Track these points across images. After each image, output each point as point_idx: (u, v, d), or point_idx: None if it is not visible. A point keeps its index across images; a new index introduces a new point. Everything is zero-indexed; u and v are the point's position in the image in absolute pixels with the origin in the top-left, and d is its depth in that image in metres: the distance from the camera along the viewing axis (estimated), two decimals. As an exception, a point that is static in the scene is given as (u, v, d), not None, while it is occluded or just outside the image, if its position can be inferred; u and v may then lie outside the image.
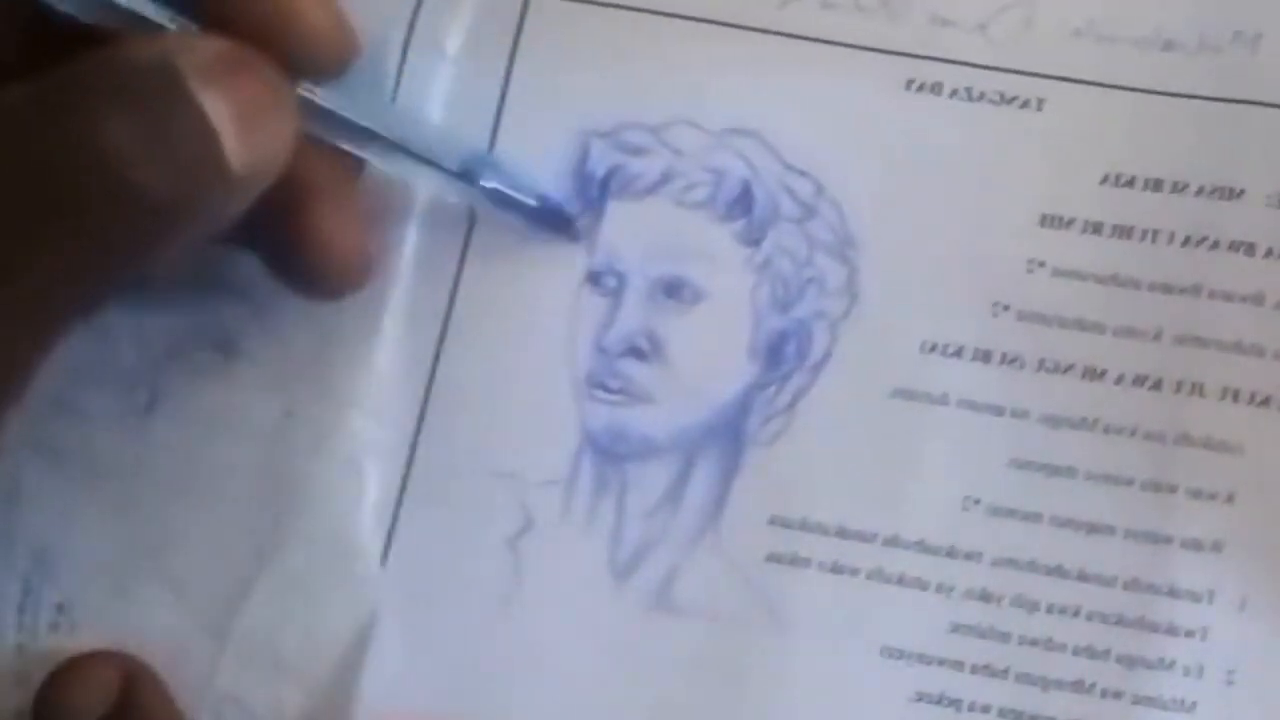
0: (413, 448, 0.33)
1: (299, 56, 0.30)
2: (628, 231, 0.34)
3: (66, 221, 0.27)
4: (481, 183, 0.33)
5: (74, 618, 0.33)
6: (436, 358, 0.33)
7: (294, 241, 0.32)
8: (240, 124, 0.28)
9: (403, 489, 0.33)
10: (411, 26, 0.34)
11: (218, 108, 0.27)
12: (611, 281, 0.33)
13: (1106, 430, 0.32)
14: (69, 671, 0.32)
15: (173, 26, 0.29)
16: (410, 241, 0.33)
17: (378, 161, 0.32)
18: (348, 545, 0.33)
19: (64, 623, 0.33)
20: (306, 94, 0.30)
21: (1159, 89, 0.33)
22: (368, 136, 0.32)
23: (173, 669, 0.32)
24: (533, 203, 0.33)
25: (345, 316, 0.33)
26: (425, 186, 0.33)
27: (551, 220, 0.33)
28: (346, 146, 0.31)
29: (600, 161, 0.34)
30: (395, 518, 0.33)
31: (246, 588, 0.33)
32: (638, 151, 0.34)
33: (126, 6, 0.29)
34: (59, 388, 0.33)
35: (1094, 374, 0.32)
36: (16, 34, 0.30)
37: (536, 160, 0.34)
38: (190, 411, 0.33)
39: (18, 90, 0.27)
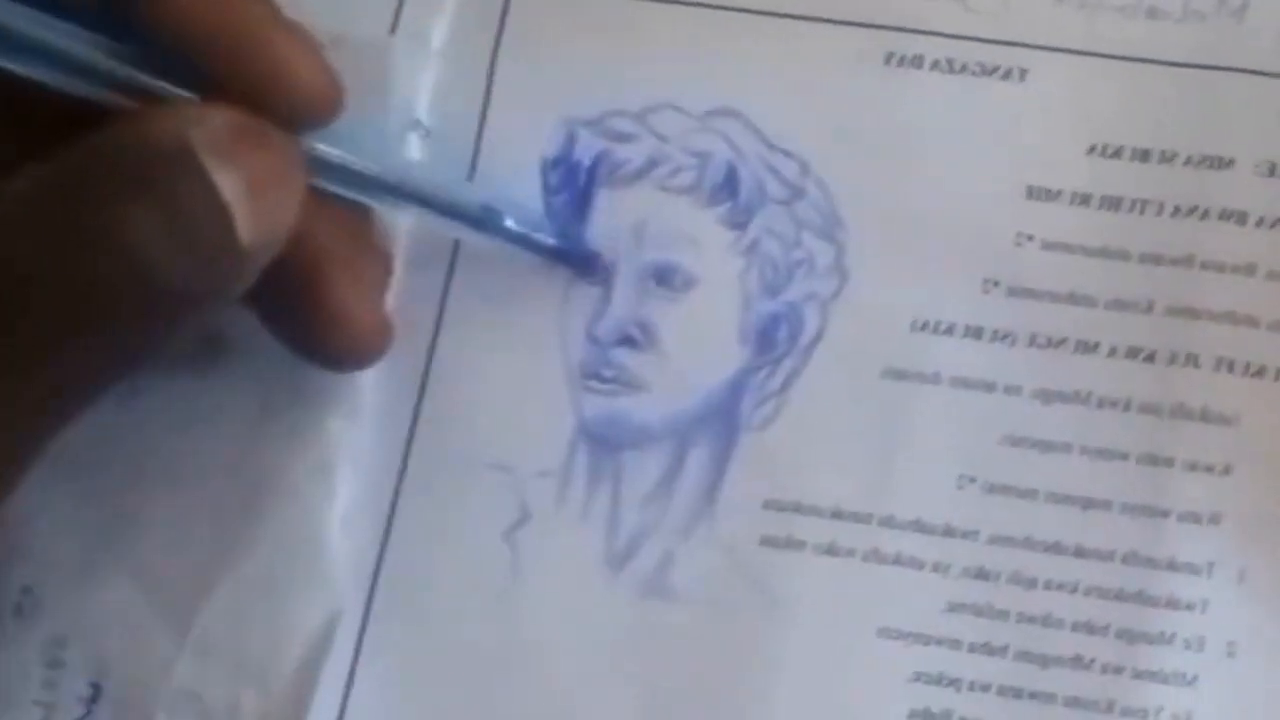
0: (408, 442, 0.33)
1: (293, 111, 0.29)
2: (616, 219, 0.33)
3: (87, 317, 0.26)
4: (506, 224, 0.32)
5: (39, 601, 0.33)
6: (430, 352, 0.33)
7: (305, 313, 0.31)
8: (250, 197, 0.27)
9: (398, 484, 0.33)
10: (396, 20, 0.34)
11: (229, 182, 0.27)
12: (601, 270, 0.33)
13: (1100, 404, 0.32)
14: None
15: (170, 89, 0.28)
16: (403, 236, 0.33)
17: (391, 211, 0.32)
18: (314, 548, 0.32)
19: (28, 605, 0.33)
20: (318, 151, 0.29)
21: (1144, 57, 0.32)
22: (380, 187, 0.31)
23: (134, 660, 0.32)
24: (552, 242, 0.33)
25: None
26: (439, 231, 0.33)
27: (573, 258, 0.33)
28: (355, 197, 0.31)
29: (587, 149, 0.34)
30: (391, 513, 0.33)
31: (210, 583, 0.32)
32: (623, 138, 0.34)
33: (123, 77, 0.28)
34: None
35: (1086, 347, 0.32)
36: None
37: (525, 152, 0.33)
38: (168, 400, 0.33)
39: (30, 177, 0.26)
